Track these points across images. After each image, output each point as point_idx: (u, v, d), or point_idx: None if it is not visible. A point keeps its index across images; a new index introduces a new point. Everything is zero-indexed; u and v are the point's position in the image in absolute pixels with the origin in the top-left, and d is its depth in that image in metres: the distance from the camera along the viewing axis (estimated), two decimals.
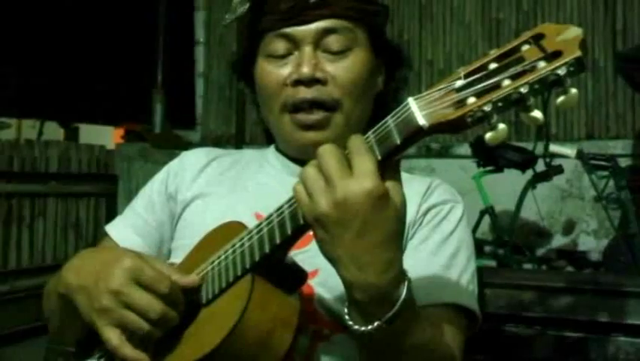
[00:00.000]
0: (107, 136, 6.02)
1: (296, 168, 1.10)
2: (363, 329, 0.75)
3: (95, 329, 0.85)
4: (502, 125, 0.66)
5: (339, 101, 1.03)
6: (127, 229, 1.12)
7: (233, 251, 0.86)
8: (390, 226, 0.73)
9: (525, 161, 3.43)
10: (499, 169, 3.56)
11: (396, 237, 0.75)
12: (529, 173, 3.48)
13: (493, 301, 1.28)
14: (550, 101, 0.66)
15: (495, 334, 1.26)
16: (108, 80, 4.20)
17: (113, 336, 0.82)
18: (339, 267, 0.75)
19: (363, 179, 0.71)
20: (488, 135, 0.67)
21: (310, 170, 0.74)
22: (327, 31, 1.03)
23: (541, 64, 0.64)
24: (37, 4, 3.89)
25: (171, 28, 4.44)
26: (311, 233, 0.98)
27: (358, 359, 0.88)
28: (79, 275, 0.89)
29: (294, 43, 1.04)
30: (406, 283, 0.75)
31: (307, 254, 0.94)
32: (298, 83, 1.02)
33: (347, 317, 0.78)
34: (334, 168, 0.72)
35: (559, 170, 3.38)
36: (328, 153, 0.74)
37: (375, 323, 0.74)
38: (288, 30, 1.04)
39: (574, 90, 0.64)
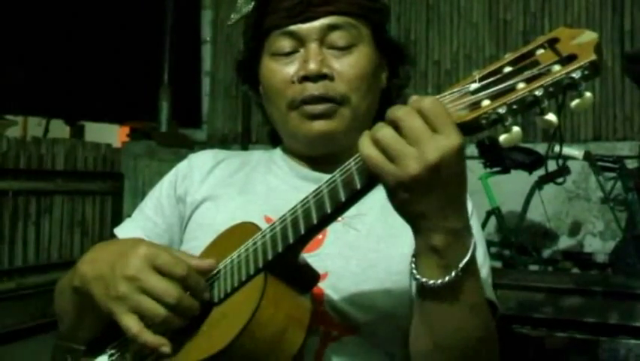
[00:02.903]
0: (113, 134, 6.03)
1: (304, 171, 1.11)
2: (440, 281, 0.76)
3: (113, 317, 0.84)
4: (516, 128, 0.67)
5: (345, 96, 1.03)
6: (136, 232, 1.12)
7: (246, 250, 0.87)
8: (465, 173, 0.75)
9: (532, 162, 3.43)
10: (505, 170, 3.56)
11: (467, 181, 0.76)
12: (536, 174, 3.47)
13: (502, 302, 1.28)
14: (565, 104, 0.66)
15: (503, 335, 1.26)
16: (114, 79, 4.20)
17: (132, 323, 0.82)
18: (422, 220, 0.75)
19: (452, 135, 0.70)
20: (502, 138, 0.67)
21: (387, 132, 0.72)
22: (332, 28, 1.04)
23: (556, 67, 0.65)
24: (43, 3, 3.89)
25: (178, 27, 4.45)
26: (320, 237, 0.98)
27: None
28: (94, 266, 0.90)
29: (300, 40, 1.05)
30: (472, 232, 0.78)
31: (317, 257, 0.94)
32: (305, 79, 1.02)
33: (418, 274, 0.78)
34: (421, 126, 0.70)
35: (566, 171, 3.38)
36: (409, 114, 0.71)
37: (453, 273, 0.75)
38: (293, 27, 1.05)
39: (588, 94, 0.64)
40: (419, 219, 0.75)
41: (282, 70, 1.05)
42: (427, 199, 0.72)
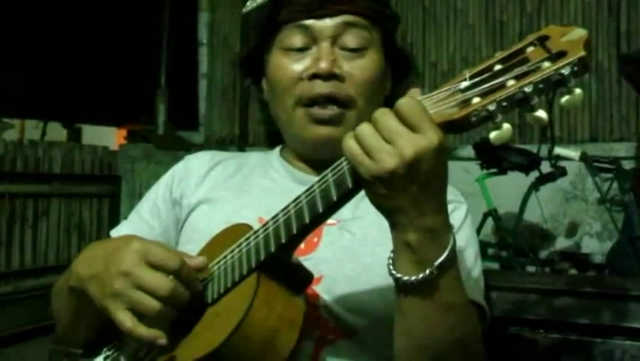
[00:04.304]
0: (110, 137, 6.02)
1: (300, 175, 1.11)
2: (414, 278, 0.76)
3: (109, 314, 0.85)
4: (506, 125, 0.67)
5: (353, 99, 1.03)
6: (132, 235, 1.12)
7: (240, 250, 0.87)
8: (446, 172, 0.75)
9: (529, 163, 3.43)
10: (502, 171, 3.56)
11: (447, 180, 0.77)
12: (533, 175, 3.47)
13: (497, 303, 1.28)
14: (555, 101, 0.66)
15: (499, 336, 1.25)
16: (111, 81, 4.19)
17: (126, 318, 0.83)
18: (398, 215, 0.75)
19: (430, 134, 0.71)
20: (493, 135, 0.68)
21: (366, 128, 0.74)
22: (346, 26, 1.04)
23: (546, 64, 0.65)
24: (40, 5, 3.89)
25: (174, 30, 4.44)
26: (315, 240, 0.98)
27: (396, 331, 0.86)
28: (89, 265, 0.90)
29: (312, 37, 1.05)
30: (452, 231, 0.78)
31: (312, 261, 0.94)
32: (315, 77, 1.02)
33: (394, 270, 0.78)
34: (397, 126, 0.72)
35: (562, 172, 3.38)
36: (384, 114, 0.74)
37: (427, 270, 0.75)
38: (308, 22, 1.05)
39: (578, 90, 0.64)
40: (394, 214, 0.75)
41: (292, 66, 1.05)
42: (404, 195, 0.73)
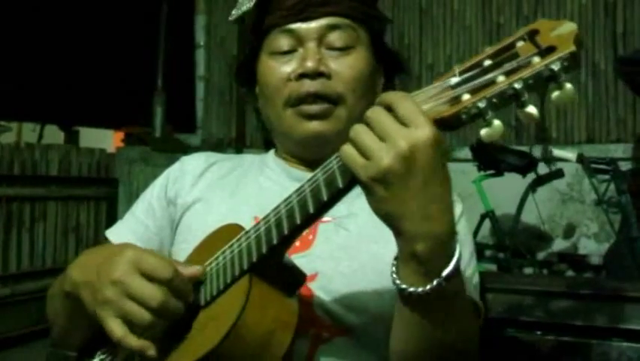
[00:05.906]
0: (108, 140, 6.02)
1: (295, 172, 1.10)
2: (420, 290, 0.73)
3: (100, 322, 0.84)
4: (497, 122, 0.66)
5: (342, 95, 1.03)
6: (127, 234, 1.12)
7: (231, 252, 0.86)
8: (446, 171, 0.72)
9: (525, 165, 3.44)
10: (499, 173, 3.56)
11: (450, 182, 0.73)
12: (530, 177, 3.48)
13: (493, 305, 1.28)
14: (547, 97, 0.65)
15: (495, 339, 1.25)
16: (108, 84, 4.19)
17: (116, 328, 0.82)
18: (402, 221, 0.72)
19: (423, 127, 0.69)
20: (483, 132, 0.67)
21: (360, 129, 0.72)
22: (331, 28, 1.05)
23: (536, 59, 0.65)
24: (38, 8, 3.89)
25: (171, 32, 4.45)
26: (310, 237, 0.98)
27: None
28: (83, 271, 0.90)
29: (298, 39, 1.05)
30: (456, 239, 0.75)
31: (306, 258, 0.93)
32: (303, 76, 1.03)
33: (398, 279, 0.75)
34: (390, 122, 0.70)
35: (559, 173, 3.38)
36: (377, 112, 0.72)
37: (435, 282, 0.72)
38: (293, 26, 1.05)
39: (569, 85, 0.64)
40: (399, 220, 0.72)
41: (280, 68, 1.06)
42: (406, 196, 0.70)
